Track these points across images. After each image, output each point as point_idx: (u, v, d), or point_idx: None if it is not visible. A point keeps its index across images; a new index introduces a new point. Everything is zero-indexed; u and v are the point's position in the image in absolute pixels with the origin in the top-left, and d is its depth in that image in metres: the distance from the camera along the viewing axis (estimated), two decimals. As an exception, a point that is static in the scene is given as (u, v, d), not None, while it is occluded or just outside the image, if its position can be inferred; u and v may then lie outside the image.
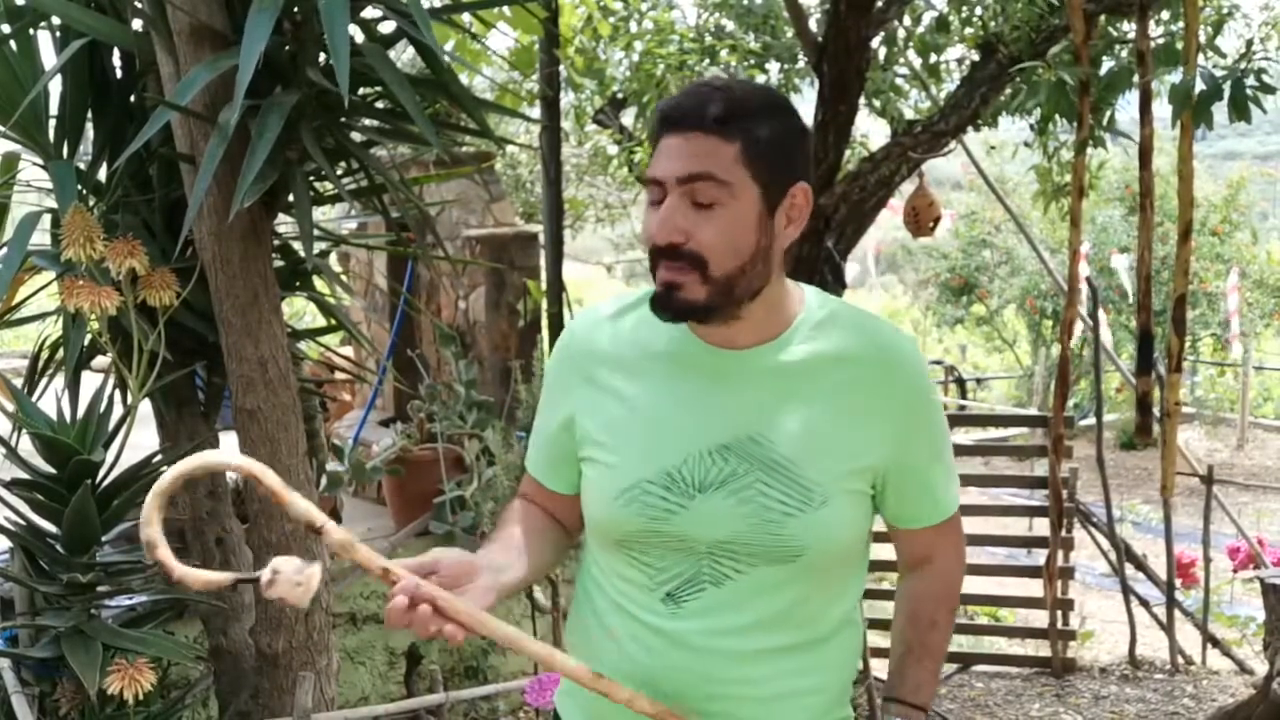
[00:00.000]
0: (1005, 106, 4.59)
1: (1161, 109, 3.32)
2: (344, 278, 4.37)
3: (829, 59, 4.17)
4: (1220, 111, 3.07)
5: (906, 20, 4.90)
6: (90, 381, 2.37)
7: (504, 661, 3.72)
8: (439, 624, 1.10)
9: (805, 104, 4.91)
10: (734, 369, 1.26)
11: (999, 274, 12.25)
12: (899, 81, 5.25)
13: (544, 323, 4.81)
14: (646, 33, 5.61)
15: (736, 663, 1.25)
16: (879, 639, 3.92)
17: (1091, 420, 7.11)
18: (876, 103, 5.21)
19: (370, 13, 2.27)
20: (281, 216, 2.37)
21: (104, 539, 2.28)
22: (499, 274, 4.68)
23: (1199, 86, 3.02)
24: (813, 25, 4.84)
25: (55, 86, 2.32)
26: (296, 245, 2.52)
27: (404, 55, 4.23)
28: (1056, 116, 3.78)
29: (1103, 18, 4.13)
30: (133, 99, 2.39)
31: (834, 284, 4.56)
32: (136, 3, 2.20)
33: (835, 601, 1.31)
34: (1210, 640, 4.44)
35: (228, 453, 1.10)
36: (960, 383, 11.11)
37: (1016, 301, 12.09)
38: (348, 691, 3.40)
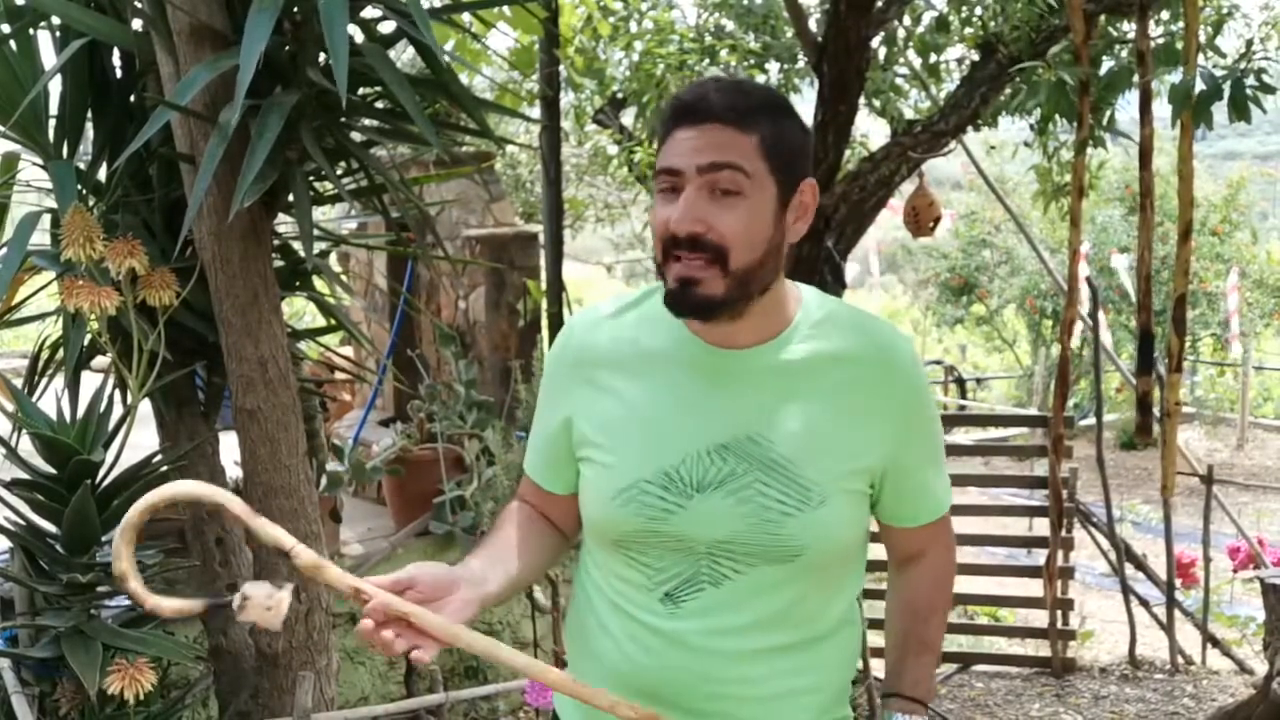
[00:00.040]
0: (1005, 106, 4.59)
1: (1161, 109, 3.33)
2: (344, 278, 4.37)
3: (829, 59, 4.17)
4: (1220, 111, 3.07)
5: (906, 20, 4.90)
6: (90, 381, 2.37)
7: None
8: (406, 644, 1.10)
9: (805, 104, 4.91)
10: (733, 369, 1.26)
11: (999, 274, 12.25)
12: (899, 81, 5.25)
13: (544, 323, 4.81)
14: (646, 33, 5.61)
15: (735, 662, 1.25)
16: (878, 639, 3.92)
17: (1091, 420, 7.10)
18: (876, 103, 5.21)
19: (370, 13, 2.27)
20: (281, 216, 2.37)
21: (104, 539, 2.28)
22: (499, 274, 4.68)
23: (1199, 86, 3.02)
24: (813, 25, 4.84)
25: (55, 86, 2.32)
26: (296, 245, 2.52)
27: (404, 55, 4.23)
28: (1056, 116, 3.78)
29: (1103, 18, 4.14)
30: (133, 99, 2.39)
31: (834, 284, 4.56)
32: (136, 3, 2.20)
33: (834, 601, 1.31)
34: (1210, 640, 4.44)
35: (194, 483, 1.10)
36: (960, 383, 11.11)
37: (1016, 301, 12.09)
38: (348, 691, 3.40)
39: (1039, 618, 4.47)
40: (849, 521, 1.27)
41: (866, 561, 1.38)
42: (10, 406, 2.32)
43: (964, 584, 4.96)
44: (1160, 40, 3.90)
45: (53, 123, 2.37)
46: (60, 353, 2.40)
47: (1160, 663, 4.37)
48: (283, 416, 2.27)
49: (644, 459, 1.25)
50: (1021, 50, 4.31)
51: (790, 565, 1.23)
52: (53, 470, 2.23)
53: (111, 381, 2.36)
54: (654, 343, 1.29)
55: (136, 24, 2.25)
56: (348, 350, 4.68)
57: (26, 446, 2.27)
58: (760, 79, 5.35)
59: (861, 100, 4.51)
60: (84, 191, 2.32)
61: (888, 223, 10.62)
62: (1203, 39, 3.59)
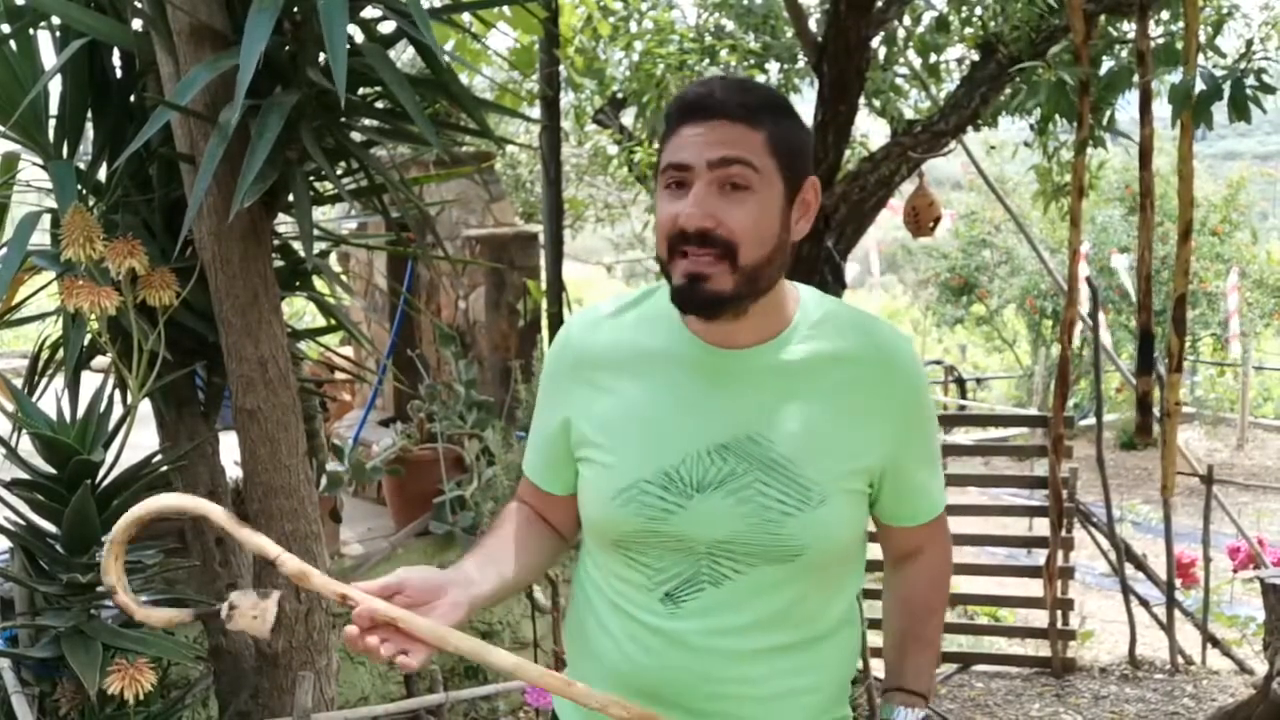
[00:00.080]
0: (1005, 106, 4.59)
1: (1161, 109, 3.33)
2: (344, 278, 4.37)
3: (829, 59, 4.18)
4: (1220, 111, 3.07)
5: (906, 20, 4.90)
6: (90, 381, 2.37)
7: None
8: (391, 650, 1.10)
9: (805, 104, 4.91)
10: (733, 369, 1.26)
11: (999, 274, 12.26)
12: (899, 81, 5.26)
13: (544, 323, 4.81)
14: (646, 33, 5.62)
15: (735, 662, 1.25)
16: (878, 639, 3.92)
17: (1091, 420, 7.10)
18: (876, 103, 5.21)
19: (370, 13, 2.27)
20: (281, 216, 2.37)
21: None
22: (499, 274, 4.68)
23: (1199, 86, 3.02)
24: (813, 25, 4.84)
25: (55, 86, 2.32)
26: (296, 245, 2.52)
27: (404, 55, 4.23)
28: (1056, 116, 3.78)
29: (1103, 18, 4.14)
30: (133, 99, 2.39)
31: (834, 284, 4.56)
32: (136, 3, 2.20)
33: (833, 600, 1.31)
34: (1210, 640, 4.44)
35: (178, 495, 1.12)
36: (960, 383, 11.10)
37: (1016, 301, 12.09)
38: (348, 691, 3.40)
39: (1039, 618, 4.48)
40: (849, 521, 1.27)
41: (866, 561, 1.38)
42: (10, 406, 2.31)
43: (964, 584, 4.97)
44: (1160, 40, 3.90)
45: (53, 123, 2.37)
46: (60, 353, 2.40)
47: (1160, 663, 4.37)
48: (283, 416, 2.27)
49: (644, 459, 1.25)
50: (1021, 50, 4.31)
51: (790, 565, 1.23)
52: (53, 470, 2.23)
53: (111, 381, 2.36)
54: (653, 343, 1.29)
55: (136, 24, 2.25)
56: (348, 350, 4.68)
57: (26, 446, 2.27)
58: (760, 79, 5.35)
59: (861, 100, 4.51)
60: (84, 191, 2.32)
61: (888, 223, 10.63)
62: (1203, 39, 3.59)
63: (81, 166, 2.35)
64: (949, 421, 8.23)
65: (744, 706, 1.26)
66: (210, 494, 2.50)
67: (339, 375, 4.13)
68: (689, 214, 1.17)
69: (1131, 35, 3.89)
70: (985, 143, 7.03)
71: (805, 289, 1.33)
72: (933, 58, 5.04)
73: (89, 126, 2.42)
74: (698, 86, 1.22)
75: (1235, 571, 4.95)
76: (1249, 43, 3.23)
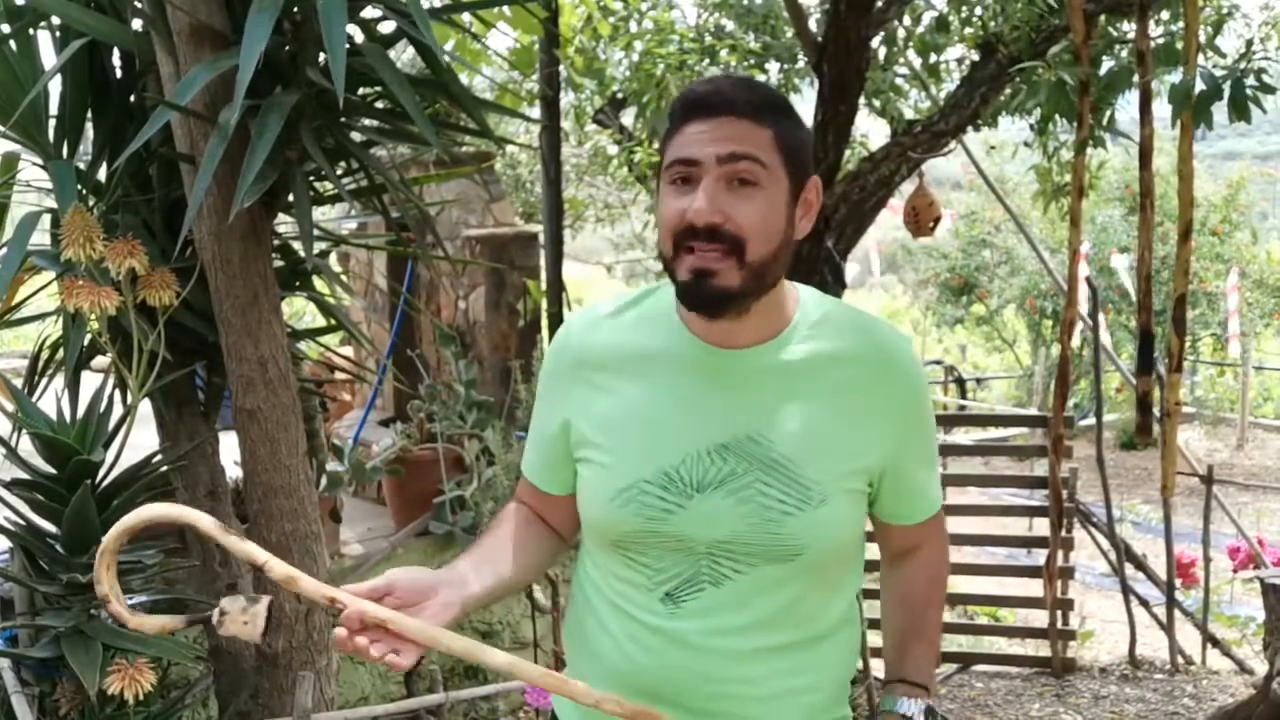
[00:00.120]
0: (1005, 106, 4.59)
1: (1161, 109, 3.33)
2: (344, 278, 4.37)
3: (829, 59, 4.18)
4: (1220, 111, 3.07)
5: (906, 20, 4.90)
6: (90, 381, 2.37)
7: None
8: (381, 650, 1.11)
9: (805, 104, 4.91)
10: (733, 368, 1.26)
11: (999, 274, 12.26)
12: (899, 81, 5.26)
13: (544, 323, 4.82)
14: (646, 33, 5.62)
15: (735, 662, 1.25)
16: (878, 639, 3.92)
17: (1091, 420, 7.11)
18: (876, 103, 5.21)
19: (370, 13, 2.27)
20: (281, 216, 2.37)
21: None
22: (499, 274, 4.68)
23: (1199, 86, 3.02)
24: (813, 25, 4.84)
25: (55, 86, 2.32)
26: (296, 245, 2.52)
27: (404, 55, 4.23)
28: (1056, 116, 3.78)
29: (1103, 18, 4.14)
30: (133, 99, 2.39)
31: (834, 284, 4.56)
32: (136, 3, 2.20)
33: (833, 600, 1.31)
34: (1210, 640, 4.44)
35: (166, 505, 1.14)
36: (960, 383, 11.10)
37: (1016, 301, 12.09)
38: (348, 691, 3.40)
39: (1039, 618, 4.47)
40: (849, 521, 1.27)
41: (865, 561, 1.38)
42: (10, 406, 2.31)
43: (964, 584, 4.97)
44: (1160, 40, 3.90)
45: (53, 123, 2.37)
46: (60, 353, 2.40)
47: (1160, 663, 4.37)
48: (283, 416, 2.27)
49: (643, 459, 1.25)
50: (1021, 50, 4.31)
51: (791, 565, 1.23)
52: (53, 470, 2.23)
53: (111, 381, 2.36)
54: (653, 343, 1.29)
55: (136, 24, 2.25)
56: (348, 350, 4.68)
57: (26, 446, 2.27)
58: (760, 79, 5.35)
59: (861, 100, 4.51)
60: (84, 191, 2.32)
61: (888, 223, 10.62)
62: (1203, 39, 3.59)
63: (81, 166, 2.35)
64: (949, 421, 8.24)
65: (744, 706, 1.26)
66: (210, 494, 2.51)
67: (339, 375, 4.13)
68: (698, 209, 1.17)
69: (1131, 35, 3.89)
70: (985, 143, 7.03)
71: (805, 289, 1.33)
72: (933, 58, 5.04)
73: (89, 126, 2.42)
74: (703, 84, 1.22)
75: (1235, 571, 4.95)
76: (1249, 43, 3.23)
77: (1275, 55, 4.20)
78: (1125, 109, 4.05)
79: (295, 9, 2.03)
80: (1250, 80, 2.99)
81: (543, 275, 4.87)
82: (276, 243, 2.49)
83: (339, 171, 2.41)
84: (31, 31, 2.34)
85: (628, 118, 6.37)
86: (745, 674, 1.25)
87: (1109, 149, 4.52)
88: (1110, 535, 4.51)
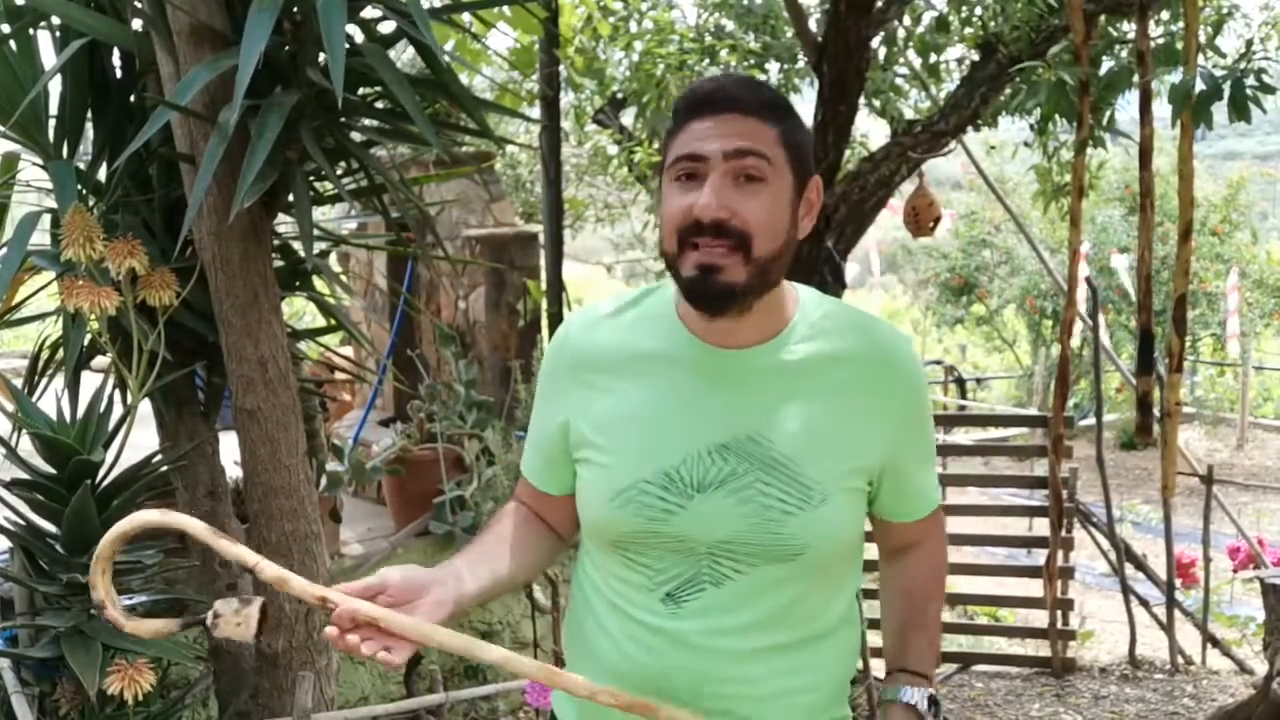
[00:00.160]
0: (1005, 106, 4.59)
1: (1161, 109, 3.33)
2: (344, 278, 4.37)
3: (829, 59, 4.18)
4: (1220, 111, 3.07)
5: (906, 20, 4.90)
6: (90, 381, 2.37)
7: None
8: (373, 648, 1.11)
9: (805, 104, 4.92)
10: (732, 368, 1.26)
11: (999, 274, 12.26)
12: (899, 81, 5.26)
13: (544, 323, 4.82)
14: (646, 33, 5.62)
15: (735, 662, 1.25)
16: (878, 639, 3.92)
17: (1091, 420, 7.11)
18: (876, 103, 5.22)
19: (370, 13, 2.27)
20: (281, 216, 2.37)
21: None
22: (499, 274, 4.68)
23: (1199, 86, 3.02)
24: (813, 25, 4.84)
25: (55, 86, 2.32)
26: (296, 245, 2.52)
27: (404, 55, 4.23)
28: (1056, 116, 3.78)
29: (1103, 18, 4.14)
30: (133, 99, 2.39)
31: (834, 284, 4.56)
32: (136, 3, 2.20)
33: (833, 600, 1.31)
34: (1210, 640, 4.44)
35: (158, 511, 1.14)
36: (960, 383, 11.09)
37: (1016, 301, 12.09)
38: (347, 691, 3.40)
39: (1039, 618, 4.47)
40: (849, 520, 1.27)
41: (864, 561, 1.38)
42: (10, 406, 2.32)
43: (964, 584, 4.97)
44: (1160, 40, 3.90)
45: (53, 123, 2.37)
46: (60, 353, 2.40)
47: (1160, 663, 4.37)
48: (283, 416, 2.27)
49: (643, 459, 1.25)
50: (1021, 50, 4.31)
51: (791, 564, 1.23)
52: (53, 470, 2.23)
53: (111, 381, 2.36)
54: (652, 343, 1.29)
55: (136, 24, 2.25)
56: (348, 350, 4.68)
57: (26, 446, 2.27)
58: (760, 79, 5.35)
59: (861, 100, 4.51)
60: (84, 191, 2.32)
61: (888, 223, 10.63)
62: (1203, 39, 3.59)
63: (81, 166, 2.35)
64: (949, 421, 8.24)
65: (744, 706, 1.26)
66: (210, 494, 2.51)
67: (339, 375, 4.13)
68: (705, 204, 1.17)
69: (1131, 35, 3.89)
70: (985, 143, 7.03)
71: (804, 289, 1.33)
72: (933, 58, 5.04)
73: (89, 126, 2.42)
74: (708, 83, 1.22)
75: (1235, 571, 4.95)
76: (1249, 43, 3.23)
77: (1275, 55, 4.20)
78: (1125, 109, 4.05)
79: (295, 9, 2.03)
80: (1250, 80, 2.99)
81: (543, 275, 4.88)
82: (276, 243, 2.49)
83: (339, 171, 2.41)
84: (31, 31, 2.34)
85: (628, 118, 6.37)
86: (745, 674, 1.25)
87: (1109, 149, 4.52)
88: (1110, 535, 4.51)
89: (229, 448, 2.44)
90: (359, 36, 2.24)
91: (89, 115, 2.40)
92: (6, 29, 2.30)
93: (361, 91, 2.36)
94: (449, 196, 4.68)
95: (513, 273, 4.76)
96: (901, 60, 5.21)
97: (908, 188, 5.20)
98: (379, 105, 2.40)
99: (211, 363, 2.48)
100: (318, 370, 3.65)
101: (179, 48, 2.09)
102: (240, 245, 2.18)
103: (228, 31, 2.09)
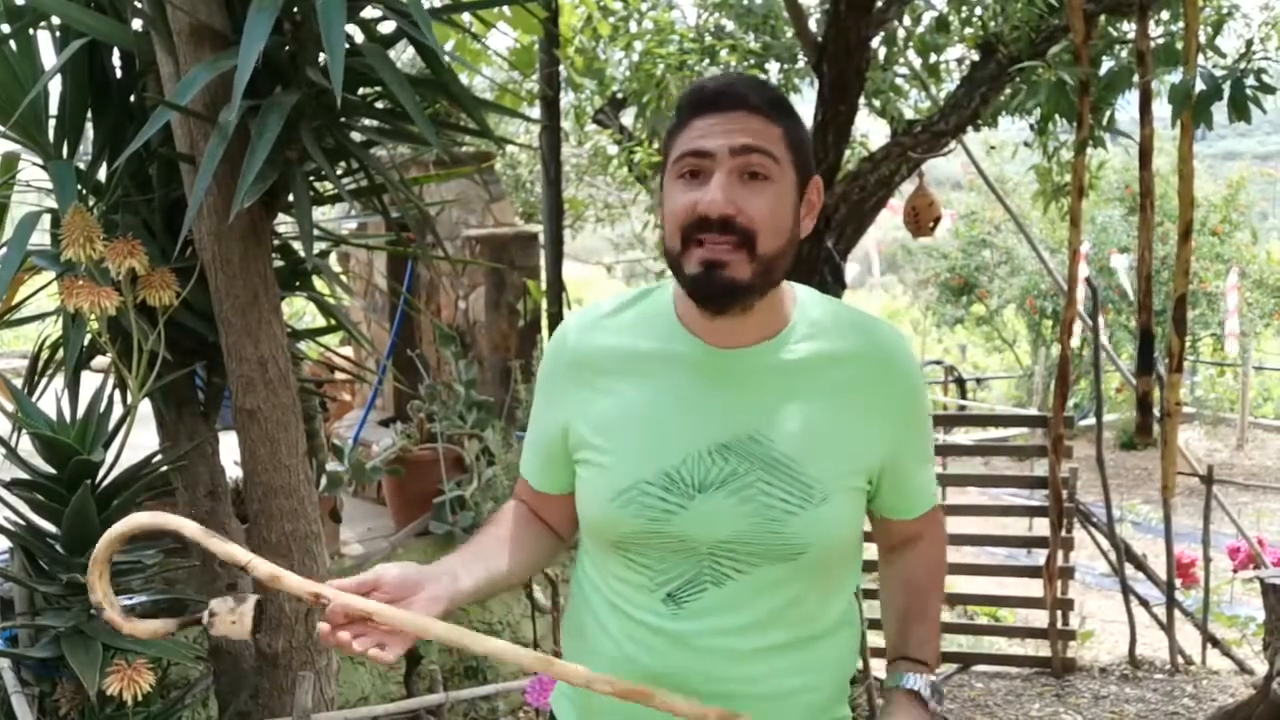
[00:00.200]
0: (1005, 106, 4.59)
1: (1161, 109, 3.33)
2: (344, 278, 4.37)
3: (829, 59, 4.18)
4: (1220, 111, 3.07)
5: (906, 20, 4.90)
6: (90, 381, 2.37)
7: (504, 662, 3.72)
8: (365, 644, 1.11)
9: (805, 104, 4.91)
10: (732, 368, 1.26)
11: (999, 274, 12.27)
12: (899, 81, 5.26)
13: (544, 323, 4.82)
14: (646, 33, 5.62)
15: (736, 662, 1.25)
16: (878, 639, 3.92)
17: (1091, 420, 7.11)
18: (876, 103, 5.22)
19: (370, 13, 2.27)
20: (281, 216, 2.37)
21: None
22: (499, 274, 4.68)
23: (1199, 86, 3.02)
24: (813, 25, 4.84)
25: (55, 86, 2.32)
26: (296, 245, 2.52)
27: (404, 55, 4.23)
28: (1056, 116, 3.78)
29: (1103, 18, 4.14)
30: (133, 99, 2.39)
31: (834, 284, 4.56)
32: (136, 3, 2.20)
33: (833, 599, 1.31)
34: (1210, 640, 4.44)
35: (151, 514, 1.15)
36: (960, 383, 11.09)
37: (1016, 301, 12.10)
38: (347, 691, 3.40)
39: (1039, 618, 4.47)
40: (849, 519, 1.27)
41: (863, 561, 1.39)
42: (10, 406, 2.32)
43: (964, 584, 4.97)
44: (1160, 40, 3.90)
45: (53, 123, 2.37)
46: (60, 353, 2.40)
47: (1160, 663, 4.37)
48: (283, 416, 2.27)
49: (644, 459, 1.25)
50: (1021, 50, 4.31)
51: (793, 564, 1.23)
52: (53, 470, 2.23)
53: (111, 381, 2.36)
54: (652, 343, 1.29)
55: (136, 24, 2.25)
56: (348, 350, 4.68)
57: (26, 446, 2.27)
58: (763, 79, 5.34)
59: (861, 100, 4.51)
60: (84, 191, 2.32)
61: (888, 223, 10.63)
62: (1203, 39, 3.59)
63: (81, 166, 2.35)
64: (949, 421, 8.24)
65: (744, 705, 1.26)
66: (210, 494, 2.51)
67: (339, 375, 4.13)
68: (712, 200, 1.16)
69: (1131, 35, 3.89)
70: (985, 143, 7.03)
71: (802, 289, 1.33)
72: (933, 58, 5.04)
73: (89, 126, 2.42)
74: (714, 81, 1.22)
75: (1235, 571, 4.95)
76: (1249, 43, 3.23)
77: (1275, 55, 4.20)
78: (1125, 109, 4.05)
79: (295, 9, 2.03)
80: (1250, 80, 2.99)
81: (543, 275, 4.88)
82: (276, 243, 2.49)
83: (339, 171, 2.41)
84: (31, 31, 2.34)
85: (628, 118, 6.37)
86: (746, 673, 1.25)
87: (1109, 149, 4.52)
88: (1110, 535, 4.51)
89: (229, 448, 2.43)
90: (359, 36, 2.24)
91: (89, 115, 2.39)
92: (6, 29, 2.30)
93: (361, 91, 2.36)
94: (449, 196, 4.68)
95: (513, 273, 4.75)
96: (901, 60, 5.21)
97: (908, 188, 5.20)
98: (379, 105, 2.40)
99: (211, 363, 2.47)
100: (318, 370, 3.65)
101: (179, 48, 2.09)
102: (240, 245, 2.18)
103: (228, 31, 2.09)
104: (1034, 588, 4.35)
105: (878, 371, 1.28)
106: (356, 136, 2.38)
